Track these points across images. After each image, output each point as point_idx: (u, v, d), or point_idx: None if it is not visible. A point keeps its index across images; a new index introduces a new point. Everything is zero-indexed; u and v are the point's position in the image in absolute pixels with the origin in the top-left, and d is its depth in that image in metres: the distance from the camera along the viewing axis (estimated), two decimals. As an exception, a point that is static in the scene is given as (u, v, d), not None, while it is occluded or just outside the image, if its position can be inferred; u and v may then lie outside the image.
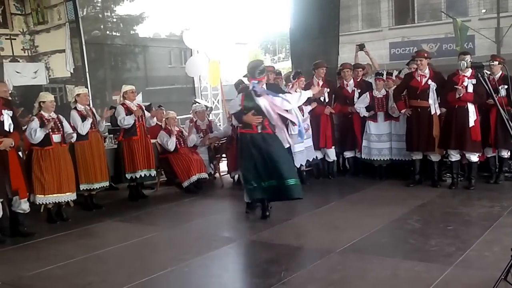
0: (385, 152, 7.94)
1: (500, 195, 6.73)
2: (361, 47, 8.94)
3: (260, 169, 5.89)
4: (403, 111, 7.38)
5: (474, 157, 7.08)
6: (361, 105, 8.03)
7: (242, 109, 5.99)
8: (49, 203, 6.39)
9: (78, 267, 4.76)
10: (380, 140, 7.94)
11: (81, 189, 6.82)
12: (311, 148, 8.09)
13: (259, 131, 5.94)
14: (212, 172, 8.91)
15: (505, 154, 7.26)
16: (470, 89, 6.83)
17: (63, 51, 8.92)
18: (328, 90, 8.23)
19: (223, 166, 9.17)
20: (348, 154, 8.49)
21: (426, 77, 7.13)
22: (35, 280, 4.51)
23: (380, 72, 8.11)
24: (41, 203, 6.36)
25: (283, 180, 5.82)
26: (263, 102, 5.83)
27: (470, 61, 6.98)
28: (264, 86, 6.04)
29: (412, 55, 8.06)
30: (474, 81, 6.77)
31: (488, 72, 6.94)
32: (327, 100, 8.23)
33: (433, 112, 7.14)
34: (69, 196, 6.52)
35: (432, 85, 7.09)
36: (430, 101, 7.11)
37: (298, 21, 10.61)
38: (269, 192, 5.96)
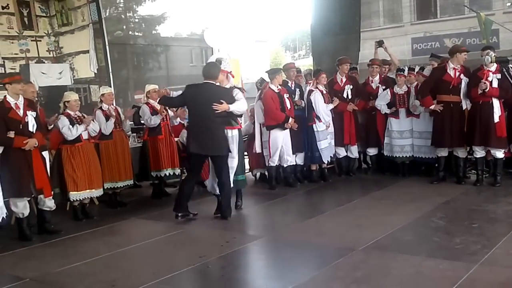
0: (407, 149, 7.85)
1: (526, 192, 6.62)
2: (379, 43, 8.86)
3: None
4: (432, 106, 7.17)
5: (500, 153, 6.96)
6: (381, 102, 7.95)
7: None
8: (80, 199, 6.49)
9: (103, 264, 4.84)
10: (402, 137, 7.86)
11: (105, 187, 6.93)
12: (333, 145, 8.13)
13: None
14: (234, 170, 8.91)
15: (532, 150, 7.14)
16: (495, 84, 6.71)
17: (87, 51, 9.02)
18: (352, 86, 8.21)
19: (245, 163, 9.19)
20: (371, 151, 8.44)
21: (459, 71, 7.04)
22: (62, 276, 4.59)
23: (401, 68, 8.02)
24: (75, 199, 6.45)
25: None
26: None
27: (494, 55, 6.89)
28: None
29: (436, 52, 7.96)
30: (499, 76, 6.66)
31: (514, 67, 6.85)
32: (350, 96, 8.20)
33: (464, 107, 7.03)
34: (99, 192, 6.66)
35: (465, 79, 6.99)
36: (462, 96, 7.01)
37: (319, 18, 10.59)
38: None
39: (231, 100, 5.99)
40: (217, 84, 6.02)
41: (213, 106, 5.82)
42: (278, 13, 77.57)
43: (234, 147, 6.26)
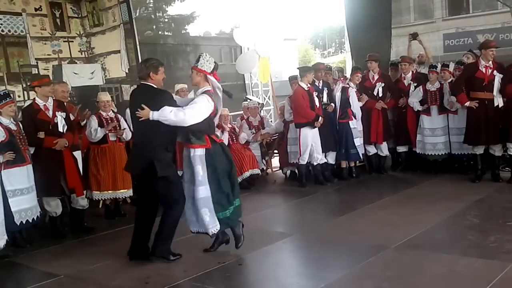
0: (439, 146, 7.73)
1: None
2: (414, 36, 8.70)
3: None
4: (467, 103, 7.00)
5: (536, 151, 6.79)
6: (414, 99, 7.85)
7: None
8: (106, 199, 6.61)
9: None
10: (433, 135, 7.73)
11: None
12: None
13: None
14: (265, 168, 8.95)
15: None
16: (531, 80, 6.56)
17: (118, 51, 9.14)
18: (383, 84, 8.12)
19: (275, 161, 9.20)
20: (401, 148, 8.34)
21: (491, 68, 6.89)
22: (95, 273, 4.67)
23: (434, 64, 7.90)
24: (97, 199, 6.56)
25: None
26: None
27: (530, 50, 6.69)
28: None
29: (468, 49, 7.82)
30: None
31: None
32: (380, 94, 8.12)
33: (496, 103, 6.86)
34: (124, 193, 6.67)
35: (498, 76, 6.84)
36: (495, 93, 6.85)
37: (351, 15, 10.58)
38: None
39: (163, 106, 4.57)
40: (154, 86, 4.78)
41: (136, 113, 4.61)
42: (307, 11, 77.27)
43: (197, 170, 4.75)
